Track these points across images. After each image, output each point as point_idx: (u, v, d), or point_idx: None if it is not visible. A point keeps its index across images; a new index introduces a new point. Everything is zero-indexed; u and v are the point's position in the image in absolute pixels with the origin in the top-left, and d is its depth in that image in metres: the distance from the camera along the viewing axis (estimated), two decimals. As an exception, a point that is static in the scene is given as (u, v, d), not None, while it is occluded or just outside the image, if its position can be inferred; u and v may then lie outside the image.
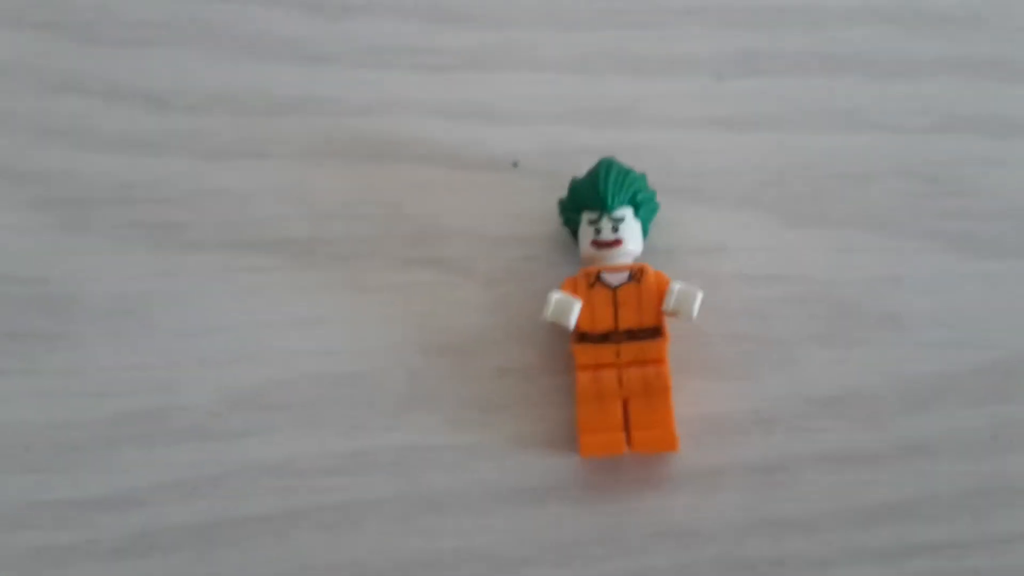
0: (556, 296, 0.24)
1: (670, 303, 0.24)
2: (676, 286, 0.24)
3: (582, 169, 0.26)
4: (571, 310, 0.24)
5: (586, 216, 0.25)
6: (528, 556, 0.24)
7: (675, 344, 0.25)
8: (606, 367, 0.24)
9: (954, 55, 0.28)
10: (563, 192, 0.26)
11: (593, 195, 0.24)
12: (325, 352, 0.26)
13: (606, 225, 0.24)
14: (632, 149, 0.27)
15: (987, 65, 0.28)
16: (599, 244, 0.24)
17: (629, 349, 0.24)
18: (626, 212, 0.25)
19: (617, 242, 0.24)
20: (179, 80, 0.28)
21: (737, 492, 0.25)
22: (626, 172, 0.25)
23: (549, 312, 0.24)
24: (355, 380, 0.26)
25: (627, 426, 0.24)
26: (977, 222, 0.27)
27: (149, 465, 0.25)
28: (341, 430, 0.25)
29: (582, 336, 0.24)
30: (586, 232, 0.25)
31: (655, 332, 0.24)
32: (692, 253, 0.26)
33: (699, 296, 0.24)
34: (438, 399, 0.25)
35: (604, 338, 0.24)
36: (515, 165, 0.27)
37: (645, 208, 0.25)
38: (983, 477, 0.25)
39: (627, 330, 0.24)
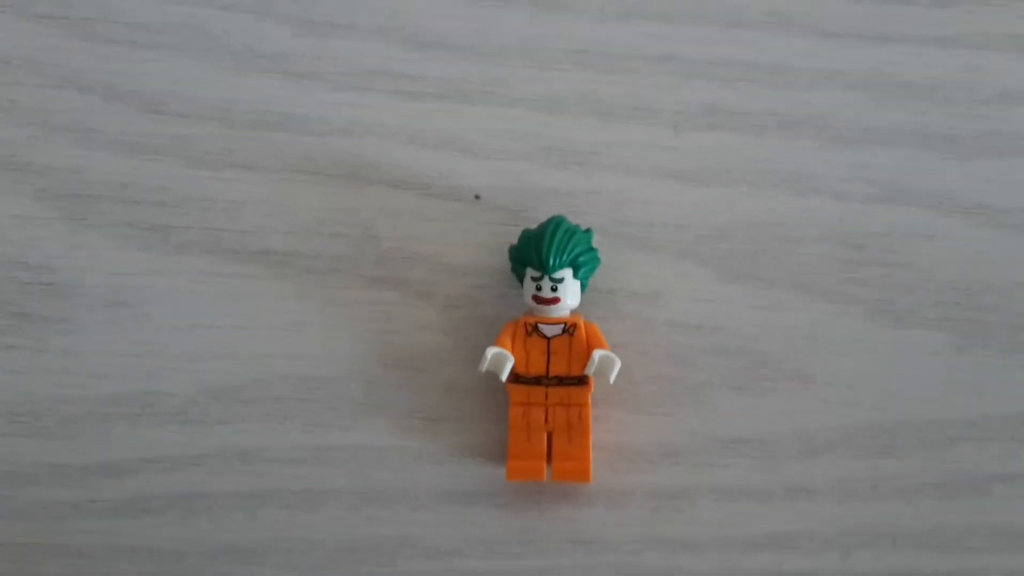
0: (492, 351, 0.27)
1: (591, 368, 0.27)
2: (597, 355, 0.27)
3: (540, 209, 0.29)
4: (504, 366, 0.27)
5: (529, 272, 0.27)
6: (457, 548, 0.29)
7: (602, 379, 0.28)
8: (536, 405, 0.27)
9: (908, 126, 0.30)
10: (519, 230, 0.28)
11: (536, 257, 0.27)
12: (295, 356, 0.29)
13: (546, 284, 0.27)
14: (588, 193, 0.29)
15: (937, 139, 0.30)
16: (539, 300, 0.27)
17: (557, 392, 0.27)
18: (566, 273, 0.27)
19: (555, 300, 0.27)
20: (172, 85, 0.30)
21: (640, 511, 0.29)
22: (570, 235, 0.27)
23: (485, 366, 0.27)
24: (320, 384, 0.29)
25: (549, 455, 0.28)
26: (895, 293, 0.29)
27: (138, 440, 0.29)
28: (305, 427, 0.29)
29: (517, 377, 0.27)
30: (529, 285, 0.27)
31: (581, 380, 0.27)
32: (630, 297, 0.29)
33: (616, 367, 0.27)
34: (391, 407, 0.29)
35: (536, 380, 0.27)
36: (477, 198, 0.29)
37: (585, 269, 0.27)
38: (857, 521, 0.29)
39: (557, 376, 0.27)
